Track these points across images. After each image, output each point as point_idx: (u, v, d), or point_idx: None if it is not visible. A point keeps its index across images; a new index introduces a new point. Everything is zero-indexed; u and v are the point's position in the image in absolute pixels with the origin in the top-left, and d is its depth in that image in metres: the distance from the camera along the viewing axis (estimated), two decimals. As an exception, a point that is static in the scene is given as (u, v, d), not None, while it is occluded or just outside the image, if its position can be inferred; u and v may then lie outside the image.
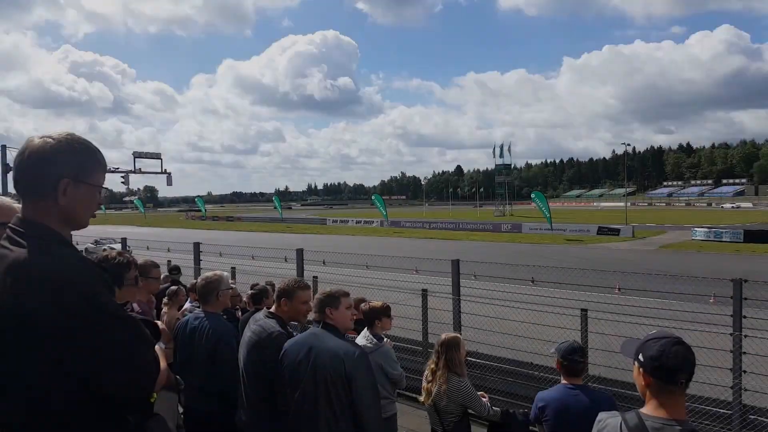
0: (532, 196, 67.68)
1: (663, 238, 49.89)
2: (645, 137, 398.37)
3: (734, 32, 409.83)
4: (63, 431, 1.93)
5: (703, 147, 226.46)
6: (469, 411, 5.09)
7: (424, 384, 5.08)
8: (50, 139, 2.01)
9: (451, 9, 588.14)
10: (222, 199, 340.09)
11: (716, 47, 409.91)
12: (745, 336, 6.84)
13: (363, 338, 5.37)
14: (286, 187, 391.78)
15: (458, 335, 5.39)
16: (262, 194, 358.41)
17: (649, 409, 2.30)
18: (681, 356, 2.25)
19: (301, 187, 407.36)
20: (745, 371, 6.83)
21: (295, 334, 4.24)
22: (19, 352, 1.86)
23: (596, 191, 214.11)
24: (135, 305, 4.51)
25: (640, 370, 2.34)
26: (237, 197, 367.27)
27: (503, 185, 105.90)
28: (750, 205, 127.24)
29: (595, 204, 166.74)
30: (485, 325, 9.23)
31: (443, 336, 5.22)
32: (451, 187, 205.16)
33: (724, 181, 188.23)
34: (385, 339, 5.47)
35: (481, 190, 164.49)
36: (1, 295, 1.86)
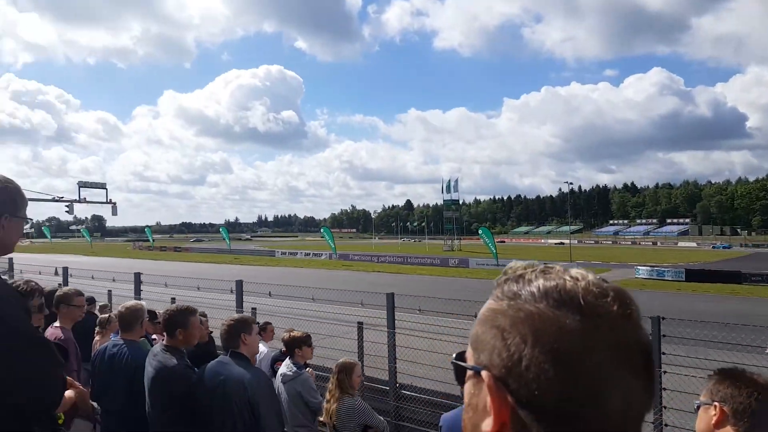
0: (480, 231, 68.49)
1: (606, 275, 49.85)
2: (588, 176, 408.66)
3: (666, 75, 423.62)
4: None
5: (647, 187, 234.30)
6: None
7: (324, 404, 5.26)
8: None
9: (387, 48, 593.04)
10: (171, 230, 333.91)
11: (650, 89, 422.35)
12: (664, 372, 7.08)
13: (284, 366, 5.56)
14: (236, 219, 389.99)
15: (354, 361, 5.61)
16: (211, 225, 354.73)
17: None
18: None
19: (251, 218, 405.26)
20: (665, 407, 7.00)
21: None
22: None
23: (544, 228, 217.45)
24: (58, 331, 4.63)
25: None
26: (186, 228, 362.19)
27: (452, 220, 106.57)
28: (694, 244, 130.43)
29: (542, 241, 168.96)
30: (421, 359, 9.38)
31: (340, 360, 5.42)
32: (400, 221, 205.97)
33: (669, 220, 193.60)
34: (307, 368, 5.66)
35: (431, 224, 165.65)
36: None
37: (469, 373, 0.87)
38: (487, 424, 0.79)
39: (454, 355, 0.93)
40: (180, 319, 4.35)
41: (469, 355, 0.88)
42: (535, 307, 0.79)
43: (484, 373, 0.81)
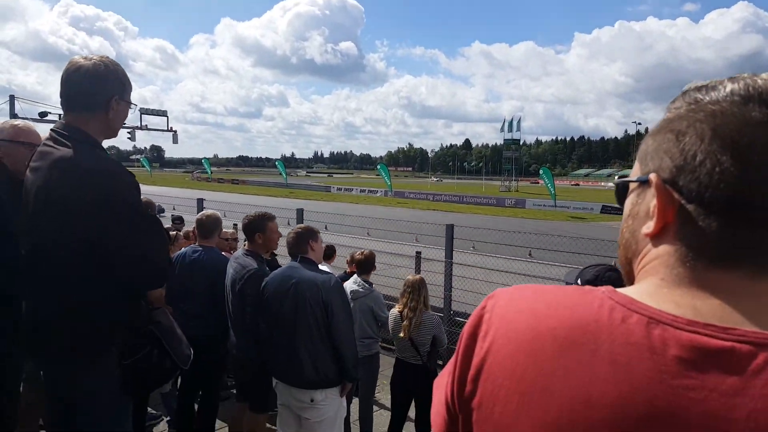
0: (540, 171, 67.42)
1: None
2: (657, 117, 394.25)
3: (752, 10, 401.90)
4: (87, 308, 2.27)
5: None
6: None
7: (403, 323, 5.32)
8: (100, 62, 2.34)
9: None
10: (228, 163, 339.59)
11: (732, 26, 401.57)
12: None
13: (354, 283, 5.69)
14: (293, 154, 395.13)
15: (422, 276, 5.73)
16: (267, 159, 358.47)
17: None
18: (613, 280, 2.42)
19: (307, 154, 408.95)
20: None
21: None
22: (59, 233, 2.20)
23: (605, 171, 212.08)
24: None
25: None
26: (243, 161, 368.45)
27: (511, 161, 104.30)
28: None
29: (603, 184, 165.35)
30: (475, 288, 9.54)
31: (411, 278, 5.50)
32: (458, 160, 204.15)
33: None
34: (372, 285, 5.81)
35: (489, 165, 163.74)
36: (48, 184, 2.20)
37: (633, 186, 0.85)
38: (648, 226, 0.78)
39: (616, 177, 0.83)
40: (259, 224, 4.61)
41: (635, 170, 0.85)
42: (718, 106, 0.73)
43: (652, 176, 0.78)
